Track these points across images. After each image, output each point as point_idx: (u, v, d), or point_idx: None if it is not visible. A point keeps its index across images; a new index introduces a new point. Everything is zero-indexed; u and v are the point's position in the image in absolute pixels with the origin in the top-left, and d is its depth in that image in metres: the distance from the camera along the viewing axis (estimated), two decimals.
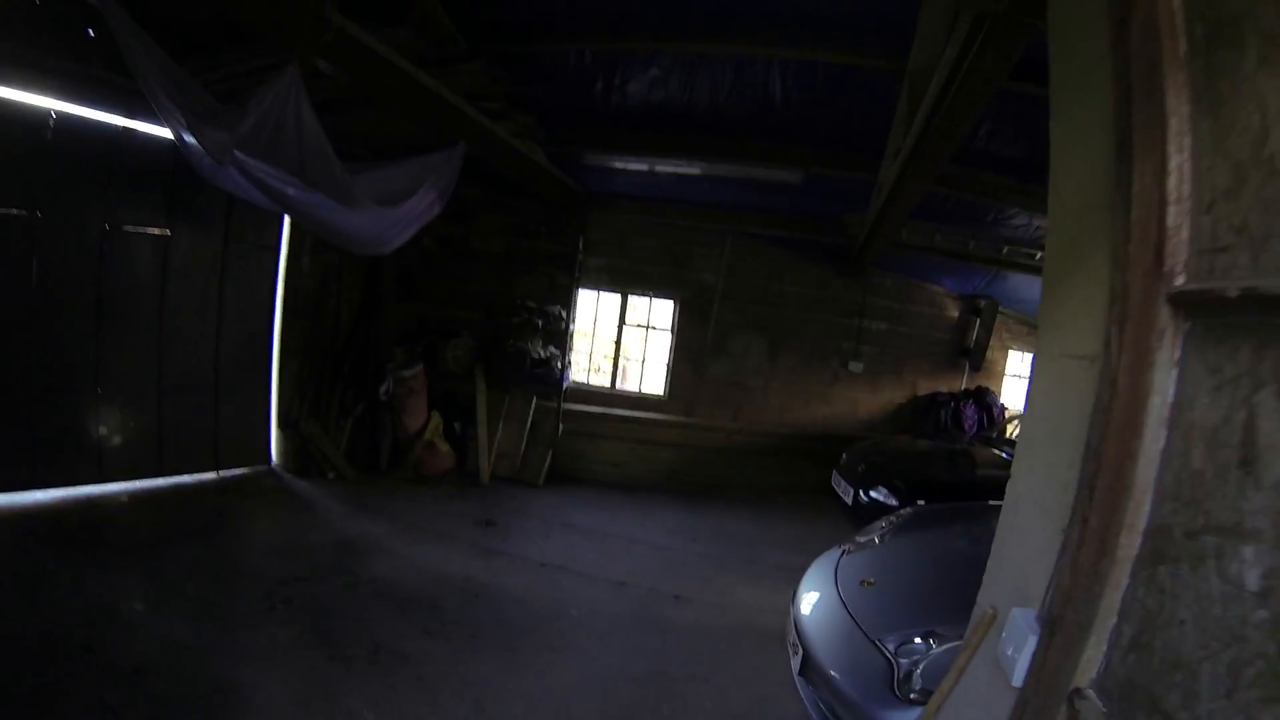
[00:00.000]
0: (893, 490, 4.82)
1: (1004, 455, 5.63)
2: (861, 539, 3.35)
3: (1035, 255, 5.26)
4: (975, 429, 6.83)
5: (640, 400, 7.14)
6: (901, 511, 3.67)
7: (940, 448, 5.88)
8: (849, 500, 5.17)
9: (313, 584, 3.66)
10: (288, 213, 4.23)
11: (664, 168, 5.27)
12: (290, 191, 3.46)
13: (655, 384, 7.28)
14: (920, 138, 3.19)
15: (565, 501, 5.78)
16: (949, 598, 2.56)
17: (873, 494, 4.95)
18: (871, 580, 2.80)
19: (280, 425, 5.62)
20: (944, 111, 2.89)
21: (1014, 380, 7.63)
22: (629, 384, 7.39)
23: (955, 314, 7.28)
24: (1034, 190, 3.99)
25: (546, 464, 6.22)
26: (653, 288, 7.07)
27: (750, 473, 6.80)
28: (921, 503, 4.56)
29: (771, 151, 4.78)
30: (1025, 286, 6.60)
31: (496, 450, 6.24)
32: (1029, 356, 7.56)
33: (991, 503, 4.61)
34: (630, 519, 5.48)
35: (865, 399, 7.28)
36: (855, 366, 7.13)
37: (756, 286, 7.04)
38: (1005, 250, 5.31)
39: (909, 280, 7.17)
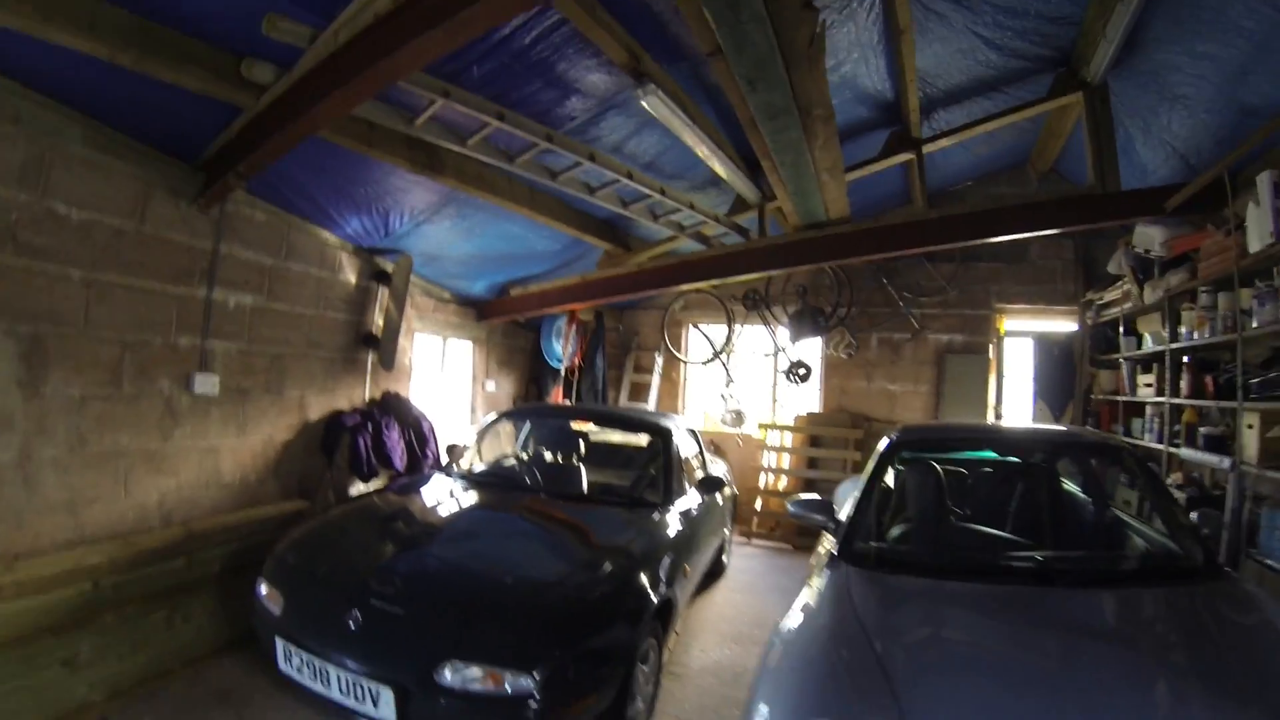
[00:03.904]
0: (495, 660, 2.21)
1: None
2: None
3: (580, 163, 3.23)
4: (405, 461, 4.79)
5: None
6: None
7: (454, 509, 3.47)
8: (383, 713, 2.24)
9: None
10: None
11: None
12: None
13: None
14: None
15: None
16: None
17: (447, 677, 2.19)
18: None
19: None
20: None
21: (426, 379, 5.61)
22: None
23: (354, 279, 4.75)
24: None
25: None
26: None
27: (61, 679, 2.82)
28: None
29: None
30: (450, 241, 4.67)
31: None
32: (441, 341, 5.96)
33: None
34: None
35: (231, 445, 3.93)
36: (206, 384, 3.68)
37: None
38: (538, 149, 3.12)
39: (293, 217, 4.21)
